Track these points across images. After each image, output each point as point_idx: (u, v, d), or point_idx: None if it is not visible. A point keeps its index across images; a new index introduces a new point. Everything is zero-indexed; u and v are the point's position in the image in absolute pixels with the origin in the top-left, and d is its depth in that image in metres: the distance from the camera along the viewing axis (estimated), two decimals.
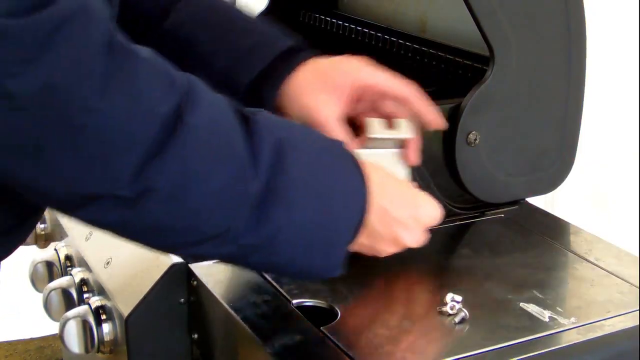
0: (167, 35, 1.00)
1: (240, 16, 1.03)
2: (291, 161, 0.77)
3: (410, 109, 0.96)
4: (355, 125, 0.96)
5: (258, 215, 0.75)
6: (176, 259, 0.94)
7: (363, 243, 0.84)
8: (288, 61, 0.96)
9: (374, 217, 0.84)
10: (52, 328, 1.14)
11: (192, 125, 0.69)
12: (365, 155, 0.86)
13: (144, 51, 0.70)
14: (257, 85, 0.95)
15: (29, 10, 0.61)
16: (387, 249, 0.87)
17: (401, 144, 0.95)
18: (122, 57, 0.66)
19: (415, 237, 0.88)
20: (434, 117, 0.96)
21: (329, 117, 0.93)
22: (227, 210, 0.74)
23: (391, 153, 0.96)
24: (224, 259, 0.81)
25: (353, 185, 0.83)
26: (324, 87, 0.94)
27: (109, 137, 0.66)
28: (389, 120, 0.95)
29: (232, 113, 0.75)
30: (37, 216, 0.87)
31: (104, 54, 0.65)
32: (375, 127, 0.93)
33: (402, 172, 0.96)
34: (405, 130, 0.94)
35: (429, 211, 0.89)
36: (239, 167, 0.73)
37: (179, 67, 0.83)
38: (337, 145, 0.84)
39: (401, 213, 0.86)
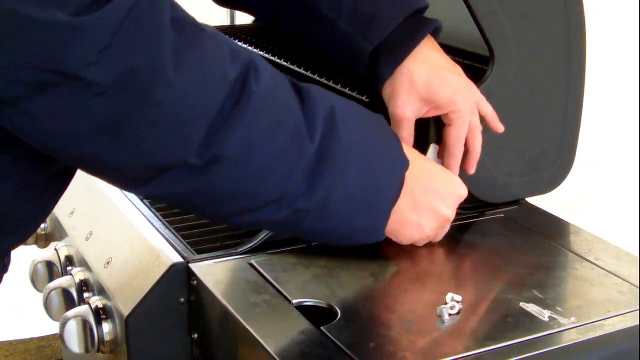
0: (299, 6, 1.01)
1: None
2: (342, 127, 0.83)
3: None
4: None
5: (311, 179, 0.80)
6: (176, 258, 0.94)
7: (403, 209, 0.90)
8: (408, 37, 0.98)
9: (414, 182, 0.90)
10: (52, 327, 1.14)
11: (256, 92, 0.74)
12: None
13: (207, 27, 0.74)
14: (376, 58, 0.98)
15: (95, 5, 0.65)
16: (424, 222, 0.93)
17: None
18: (189, 32, 0.71)
19: (450, 209, 0.95)
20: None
21: (409, 119, 0.98)
22: (285, 172, 0.78)
23: None
24: (278, 225, 0.84)
25: (396, 153, 0.90)
26: (424, 92, 0.98)
27: (184, 108, 0.70)
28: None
29: (288, 83, 0.80)
30: (54, 202, 0.89)
31: (171, 31, 0.69)
32: (431, 153, 1.03)
33: None
34: (433, 154, 1.04)
35: (459, 186, 0.97)
36: (296, 131, 0.78)
37: (300, 30, 1.00)
38: (380, 118, 0.91)
39: (437, 183, 0.93)
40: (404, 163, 0.90)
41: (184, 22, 0.71)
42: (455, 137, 0.99)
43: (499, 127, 1.03)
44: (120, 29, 0.66)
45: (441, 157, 1.02)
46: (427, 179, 0.93)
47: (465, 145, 1.01)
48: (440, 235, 0.99)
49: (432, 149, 1.03)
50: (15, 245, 0.87)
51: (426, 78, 0.97)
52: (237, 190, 0.78)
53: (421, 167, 0.93)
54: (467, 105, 0.99)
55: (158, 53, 0.68)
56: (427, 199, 0.92)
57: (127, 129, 0.69)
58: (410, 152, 0.93)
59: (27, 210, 0.83)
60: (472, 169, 1.02)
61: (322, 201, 0.82)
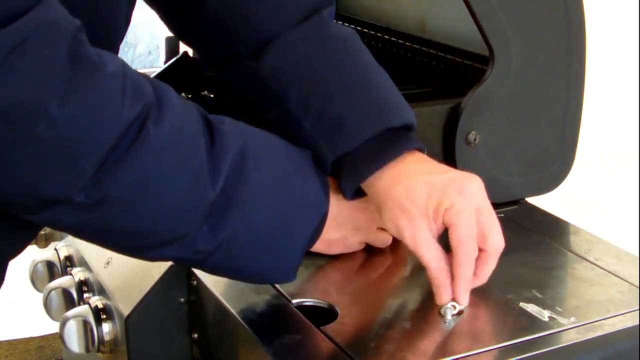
0: (257, 78, 0.93)
1: (347, 70, 0.92)
2: (253, 169, 0.78)
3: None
4: None
5: (213, 222, 0.76)
6: None
7: (324, 232, 0.87)
8: (380, 154, 0.87)
9: (336, 211, 0.88)
10: (52, 327, 1.14)
11: (153, 135, 0.70)
12: None
13: (113, 63, 0.70)
14: (340, 168, 0.89)
15: None
16: (348, 235, 0.93)
17: None
18: (85, 68, 0.67)
19: (365, 219, 0.93)
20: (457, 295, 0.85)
21: (424, 242, 0.85)
22: (181, 216, 0.75)
23: None
24: (182, 262, 0.82)
25: (315, 196, 0.85)
26: (413, 209, 0.84)
27: (70, 146, 0.67)
28: None
29: (198, 123, 0.76)
30: None
31: (66, 66, 0.65)
32: None
33: None
34: None
35: (380, 237, 0.95)
36: (198, 175, 0.74)
37: (269, 117, 0.91)
38: (304, 156, 0.86)
39: (356, 225, 0.92)
40: (323, 207, 0.85)
41: (82, 58, 0.67)
42: (456, 239, 0.83)
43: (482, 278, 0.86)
44: (6, 62, 0.62)
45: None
46: (350, 220, 0.91)
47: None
48: (380, 237, 0.96)
49: None
50: (15, 252, 0.86)
51: (405, 188, 0.85)
52: (131, 228, 0.74)
53: (348, 209, 0.91)
54: (464, 200, 0.83)
55: (43, 89, 0.64)
56: (348, 216, 0.91)
57: (8, 160, 0.66)
58: (337, 196, 0.89)
59: (19, 220, 0.82)
60: (462, 299, 0.84)
61: (225, 243, 0.78)
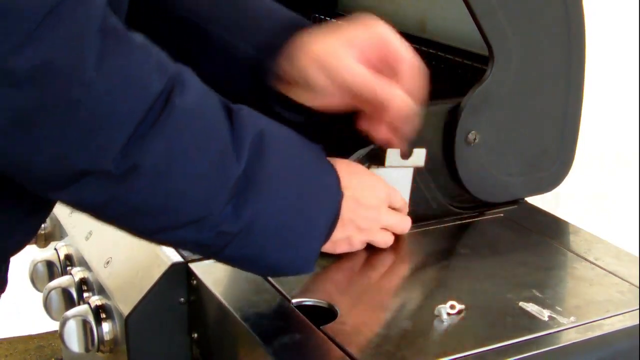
0: (173, 20, 0.98)
1: None
2: (271, 152, 0.80)
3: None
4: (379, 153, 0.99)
5: (237, 202, 0.77)
6: (176, 258, 0.94)
7: (337, 237, 0.90)
8: (289, 32, 0.94)
9: (344, 207, 0.89)
10: (52, 325, 1.15)
11: (179, 108, 0.72)
12: (380, 173, 0.99)
13: (138, 37, 0.72)
14: (260, 58, 0.93)
15: None
16: (352, 235, 0.94)
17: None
18: (115, 38, 0.68)
19: (370, 218, 0.95)
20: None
21: (350, 62, 0.90)
22: (208, 192, 0.76)
23: (404, 172, 1.03)
24: (201, 247, 0.81)
25: (331, 184, 0.87)
26: (338, 37, 0.92)
27: (102, 113, 0.68)
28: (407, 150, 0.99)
29: (218, 103, 0.77)
30: (49, 207, 0.88)
31: (99, 34, 0.67)
32: (393, 158, 0.99)
33: (407, 188, 1.03)
34: (418, 159, 1.01)
35: (379, 189, 0.96)
36: (222, 152, 0.76)
37: (187, 47, 0.92)
38: (317, 149, 0.88)
39: (360, 194, 0.92)
40: (338, 195, 0.88)
41: (114, 29, 0.69)
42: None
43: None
44: (41, 25, 0.64)
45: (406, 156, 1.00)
46: (353, 196, 0.92)
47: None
48: (382, 238, 0.98)
49: (394, 154, 1.00)
50: (15, 250, 0.86)
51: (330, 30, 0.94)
52: (157, 205, 0.74)
53: (350, 190, 0.91)
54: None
55: (79, 52, 0.66)
56: (353, 215, 0.92)
57: (41, 127, 0.67)
58: (342, 171, 0.90)
59: (19, 216, 0.82)
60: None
61: (248, 226, 0.79)
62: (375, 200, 0.95)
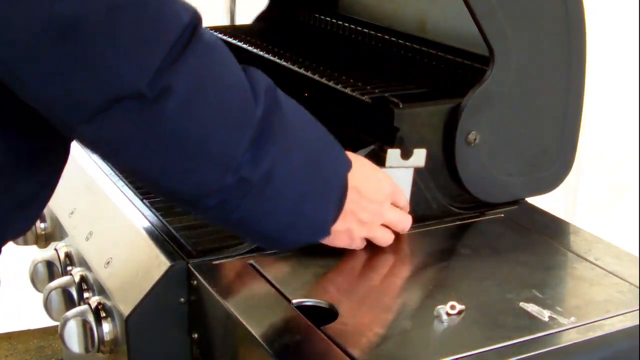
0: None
1: None
2: (285, 105, 0.84)
3: None
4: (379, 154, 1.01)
5: (257, 147, 0.79)
6: (176, 258, 0.94)
7: (337, 228, 0.91)
8: None
9: (349, 199, 0.90)
10: (52, 322, 1.15)
11: (204, 40, 0.76)
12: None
13: None
14: None
15: None
16: (353, 228, 0.94)
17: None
18: None
19: (373, 212, 0.95)
20: None
21: None
22: (232, 130, 0.78)
23: (404, 172, 1.04)
24: (222, 195, 0.80)
25: (338, 148, 0.90)
26: None
27: (142, 34, 0.71)
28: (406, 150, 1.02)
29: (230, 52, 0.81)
30: (52, 187, 0.89)
31: None
32: (393, 158, 1.01)
33: (407, 188, 1.04)
34: (418, 159, 1.02)
35: (384, 184, 0.97)
36: (243, 90, 0.79)
37: None
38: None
39: (363, 186, 0.93)
40: (348, 164, 0.91)
41: None
42: None
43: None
44: None
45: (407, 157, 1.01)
46: (357, 187, 0.92)
47: None
48: (382, 235, 0.98)
49: (391, 154, 1.01)
50: (19, 233, 0.87)
51: None
52: (185, 135, 0.76)
53: (355, 181, 0.92)
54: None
55: None
56: (355, 207, 0.92)
57: (87, 41, 0.69)
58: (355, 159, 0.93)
59: (27, 196, 0.83)
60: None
61: (266, 175, 0.81)
62: (380, 195, 0.95)
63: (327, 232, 0.90)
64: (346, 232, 0.94)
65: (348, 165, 0.91)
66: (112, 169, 1.21)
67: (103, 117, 0.72)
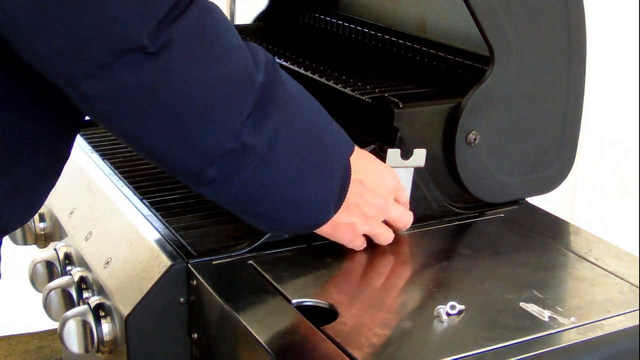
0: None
1: None
2: (285, 77, 0.84)
3: None
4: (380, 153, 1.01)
5: (258, 114, 0.79)
6: (176, 258, 0.94)
7: (340, 220, 0.91)
8: None
9: (352, 192, 0.90)
10: (52, 323, 1.15)
11: (205, 2, 0.76)
12: None
13: None
14: None
15: None
16: (356, 222, 0.93)
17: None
18: None
19: (376, 207, 0.95)
20: None
21: None
22: (234, 90, 0.78)
23: (404, 172, 1.04)
24: (224, 163, 0.79)
25: (339, 129, 0.90)
26: None
27: None
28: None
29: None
30: (51, 178, 0.89)
31: None
32: (393, 158, 1.01)
33: (407, 188, 1.04)
34: (418, 159, 1.02)
35: (388, 179, 0.96)
36: (244, 55, 0.79)
37: None
38: None
39: (367, 179, 0.93)
40: (352, 145, 0.90)
41: None
42: None
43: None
44: None
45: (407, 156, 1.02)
46: (361, 180, 0.92)
47: None
48: (384, 232, 0.98)
49: (395, 154, 1.01)
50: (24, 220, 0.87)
51: None
52: (187, 92, 0.75)
53: (359, 174, 0.91)
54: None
55: None
56: (359, 200, 0.92)
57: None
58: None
59: (32, 182, 0.83)
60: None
61: (268, 143, 0.80)
62: (384, 189, 0.95)
63: (329, 213, 0.88)
64: (349, 225, 0.93)
65: (350, 145, 0.90)
66: (112, 169, 1.21)
67: (106, 71, 0.72)
